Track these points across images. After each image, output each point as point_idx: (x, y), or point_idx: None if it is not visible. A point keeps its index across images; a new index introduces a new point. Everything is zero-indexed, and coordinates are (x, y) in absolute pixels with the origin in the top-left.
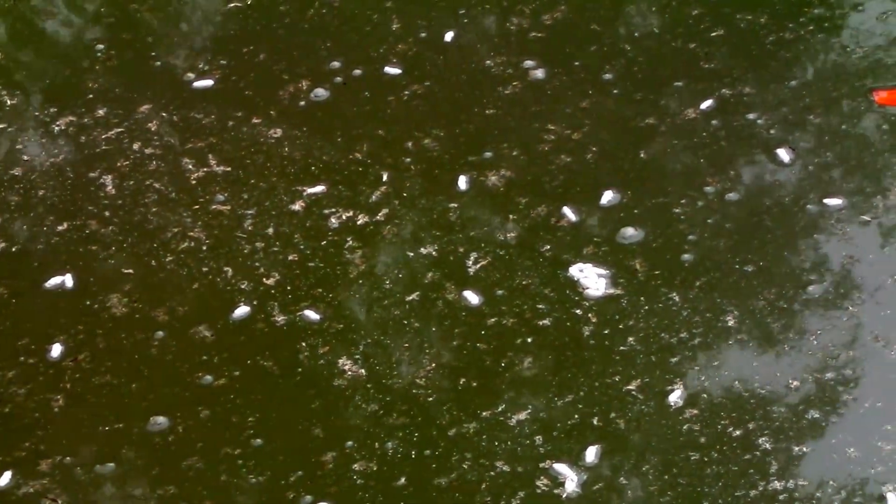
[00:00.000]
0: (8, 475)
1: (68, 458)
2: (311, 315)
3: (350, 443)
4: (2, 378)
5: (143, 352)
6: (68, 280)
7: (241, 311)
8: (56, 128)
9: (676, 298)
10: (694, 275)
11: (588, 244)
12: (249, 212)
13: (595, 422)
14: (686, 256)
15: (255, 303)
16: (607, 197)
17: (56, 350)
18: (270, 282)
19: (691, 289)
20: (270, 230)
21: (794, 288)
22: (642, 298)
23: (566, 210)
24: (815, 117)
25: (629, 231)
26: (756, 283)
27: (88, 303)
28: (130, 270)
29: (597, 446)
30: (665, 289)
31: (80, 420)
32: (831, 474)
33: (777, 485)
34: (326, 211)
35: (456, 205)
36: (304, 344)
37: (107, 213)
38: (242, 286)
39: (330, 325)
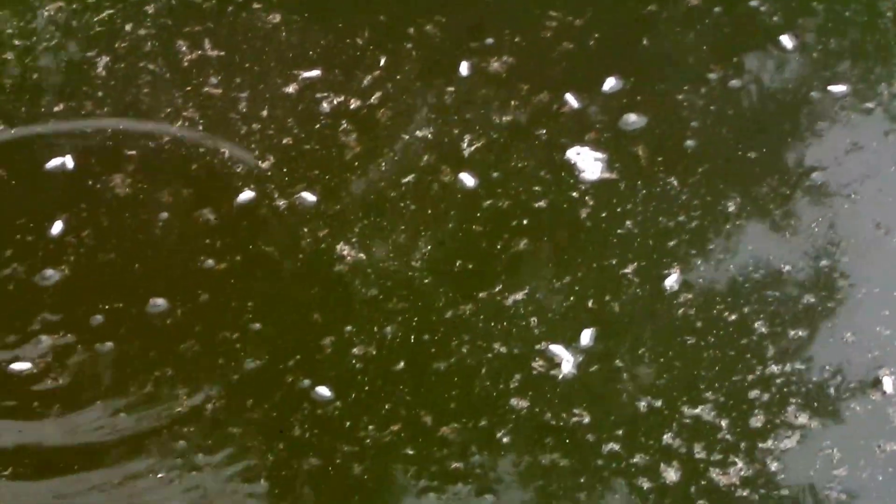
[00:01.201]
0: (8, 354)
1: (68, 335)
2: (308, 197)
3: (349, 327)
4: (1, 256)
5: (147, 233)
6: (69, 161)
7: (246, 195)
8: (46, 12)
9: (675, 183)
10: (696, 161)
11: (590, 130)
12: (243, 94)
13: (590, 304)
14: (689, 143)
15: (252, 185)
16: (610, 84)
17: (57, 227)
18: (265, 165)
19: (693, 175)
20: (264, 112)
21: (797, 175)
22: (639, 183)
23: (568, 96)
24: (820, 3)
25: (632, 117)
26: (758, 170)
27: (91, 183)
28: (133, 152)
29: (592, 329)
30: (665, 174)
31: (80, 298)
32: (828, 358)
33: (774, 369)
34: (319, 95)
35: (452, 89)
36: (305, 230)
37: (100, 94)
38: (238, 169)
39: (327, 208)
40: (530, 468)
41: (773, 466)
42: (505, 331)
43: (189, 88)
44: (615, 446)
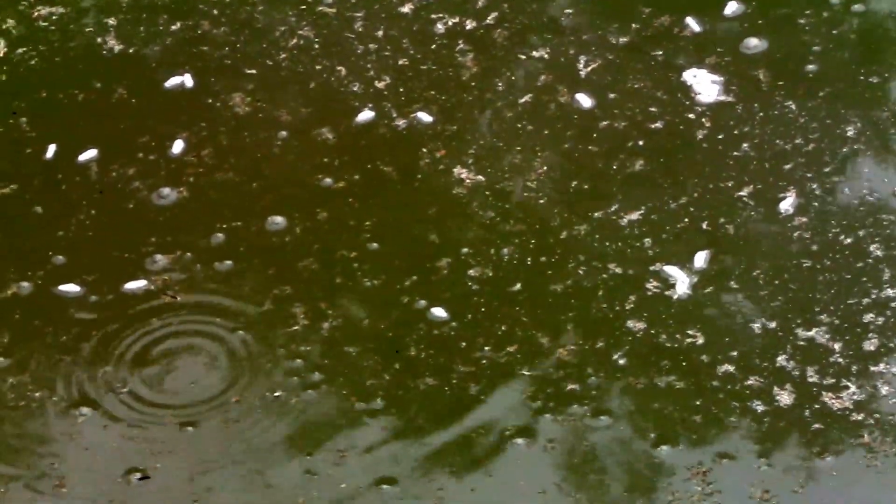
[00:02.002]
0: (131, 273)
1: (188, 254)
2: (425, 118)
3: (465, 249)
4: (124, 175)
5: (266, 151)
6: (188, 80)
7: (365, 115)
8: None
9: (793, 107)
10: (817, 85)
11: (711, 54)
12: (358, 14)
13: (705, 226)
14: (810, 67)
15: (369, 105)
16: (731, 7)
17: (178, 146)
18: (381, 85)
19: (814, 99)
20: (380, 33)
21: None
22: (756, 105)
23: (689, 20)
24: None
25: (753, 41)
26: (880, 94)
27: (210, 101)
28: (253, 70)
29: (707, 251)
30: (784, 98)
31: (200, 216)
32: None
33: (890, 292)
34: (434, 16)
35: (570, 10)
36: (423, 150)
37: (215, 13)
38: (355, 88)
39: (444, 129)
40: (646, 390)
41: (885, 390)
42: (619, 251)
43: (304, 7)
44: (729, 368)
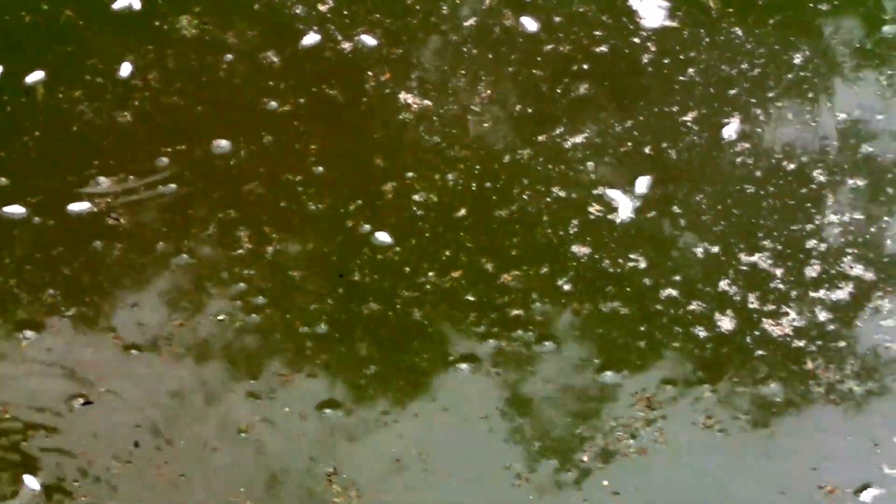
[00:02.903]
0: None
1: (132, 176)
2: (369, 41)
3: (410, 174)
4: (70, 97)
5: (212, 75)
6: (135, 2)
7: (310, 38)
8: None
9: (741, 33)
10: (767, 13)
11: None
12: None
13: (648, 150)
14: None
15: (314, 28)
16: None
17: (125, 69)
18: (325, 8)
19: (763, 26)
20: None
21: (869, 28)
22: (703, 31)
23: None
24: None
25: None
26: (830, 23)
27: (157, 24)
28: None
29: (649, 175)
30: (731, 24)
31: (146, 139)
32: (886, 209)
33: (833, 218)
34: None
35: None
36: (368, 74)
37: None
38: (299, 11)
39: (389, 52)
40: (590, 316)
41: (823, 316)
42: (563, 175)
43: None
44: (672, 292)
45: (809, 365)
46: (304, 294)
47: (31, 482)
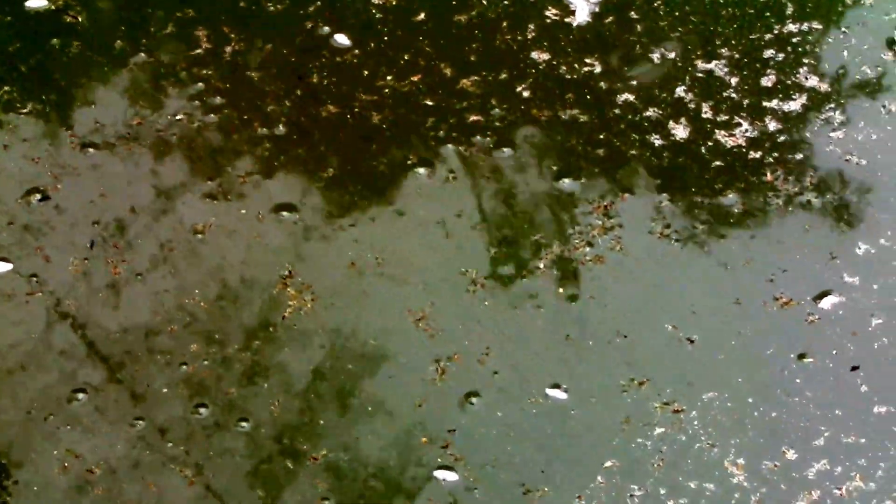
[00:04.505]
0: None
1: None
2: None
3: None
4: None
5: None
6: None
7: None
8: None
9: None
10: None
11: None
12: None
13: None
14: None
15: None
16: None
17: None
18: None
19: None
20: None
21: None
22: None
23: None
24: None
25: None
26: None
27: None
28: None
29: None
30: None
31: None
32: (848, 19)
33: (792, 27)
34: None
35: None
36: None
37: None
38: None
39: None
40: (549, 123)
41: (774, 126)
42: None
43: None
44: (629, 97)
45: (769, 177)
46: (263, 95)
47: None
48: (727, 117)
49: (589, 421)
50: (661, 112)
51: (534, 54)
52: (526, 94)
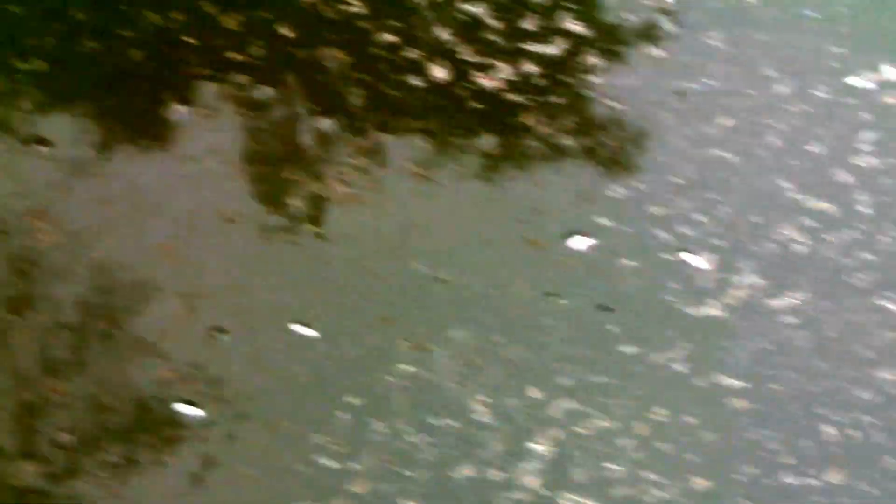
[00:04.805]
0: None
1: None
2: None
3: None
4: None
5: None
6: None
7: None
8: None
9: None
10: None
11: None
12: None
13: None
14: None
15: None
16: None
17: None
18: None
19: None
20: None
21: None
22: None
23: None
24: None
25: None
26: None
27: None
28: None
29: None
30: None
31: None
32: None
33: None
34: None
35: None
36: None
37: None
38: None
39: None
40: (309, 61)
41: (531, 68)
42: None
43: None
44: (390, 37)
45: (526, 119)
46: (21, 29)
47: None
48: (488, 60)
49: (336, 357)
50: (420, 53)
51: None
52: (286, 32)
